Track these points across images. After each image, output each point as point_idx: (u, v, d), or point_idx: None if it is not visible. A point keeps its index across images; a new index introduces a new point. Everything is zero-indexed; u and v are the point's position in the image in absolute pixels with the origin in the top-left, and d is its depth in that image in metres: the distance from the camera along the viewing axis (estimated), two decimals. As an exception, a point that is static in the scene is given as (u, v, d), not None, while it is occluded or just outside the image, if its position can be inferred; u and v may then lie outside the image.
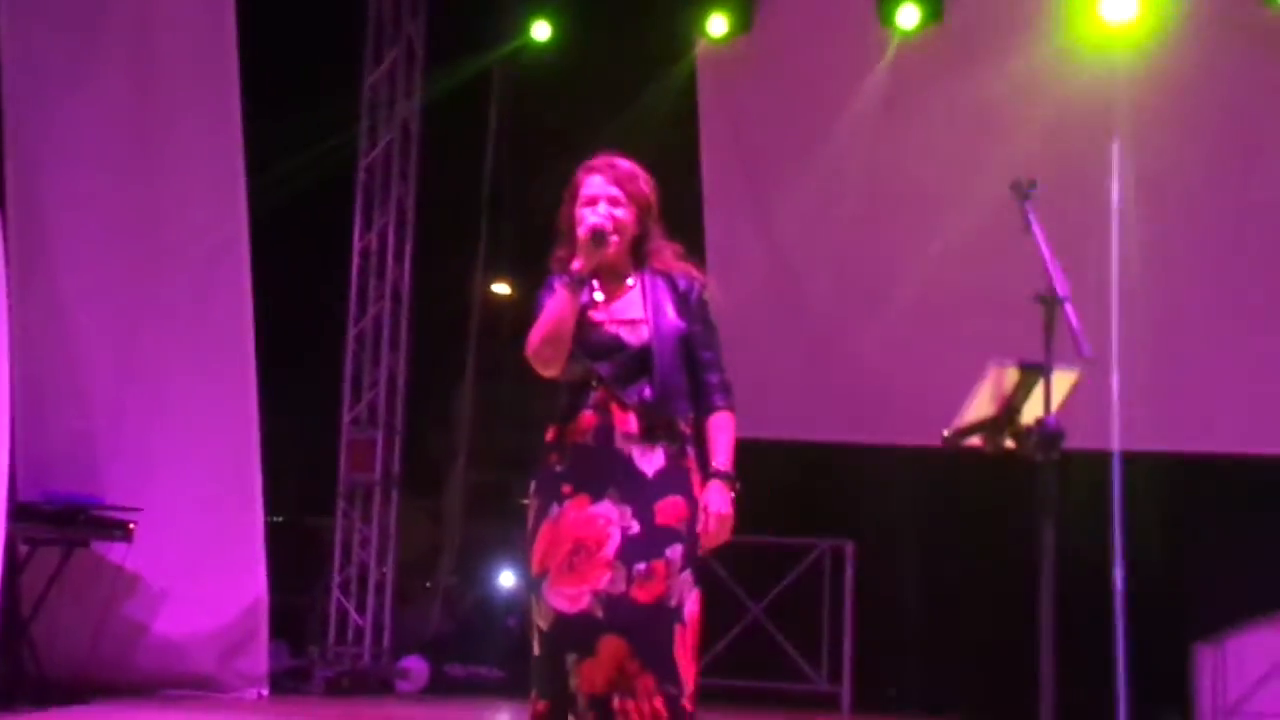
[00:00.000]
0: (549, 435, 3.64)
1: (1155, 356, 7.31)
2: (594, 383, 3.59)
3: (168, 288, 7.16)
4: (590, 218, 3.63)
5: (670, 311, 3.66)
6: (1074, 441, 3.46)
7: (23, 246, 6.57)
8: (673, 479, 3.56)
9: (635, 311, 3.66)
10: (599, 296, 3.68)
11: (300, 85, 8.39)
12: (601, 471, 3.54)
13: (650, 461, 3.55)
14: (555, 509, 3.54)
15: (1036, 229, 3.51)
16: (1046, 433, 3.44)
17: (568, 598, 3.45)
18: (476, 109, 9.21)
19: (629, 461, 3.54)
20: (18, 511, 6.31)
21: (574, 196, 3.74)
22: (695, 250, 3.92)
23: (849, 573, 8.30)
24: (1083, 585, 4.75)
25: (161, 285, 7.14)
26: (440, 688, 8.51)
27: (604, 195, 3.69)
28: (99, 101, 6.97)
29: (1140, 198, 7.35)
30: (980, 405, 3.65)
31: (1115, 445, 6.91)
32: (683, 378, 3.64)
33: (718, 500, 3.56)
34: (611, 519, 3.49)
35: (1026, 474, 3.49)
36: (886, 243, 7.96)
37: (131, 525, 6.95)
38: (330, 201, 8.91)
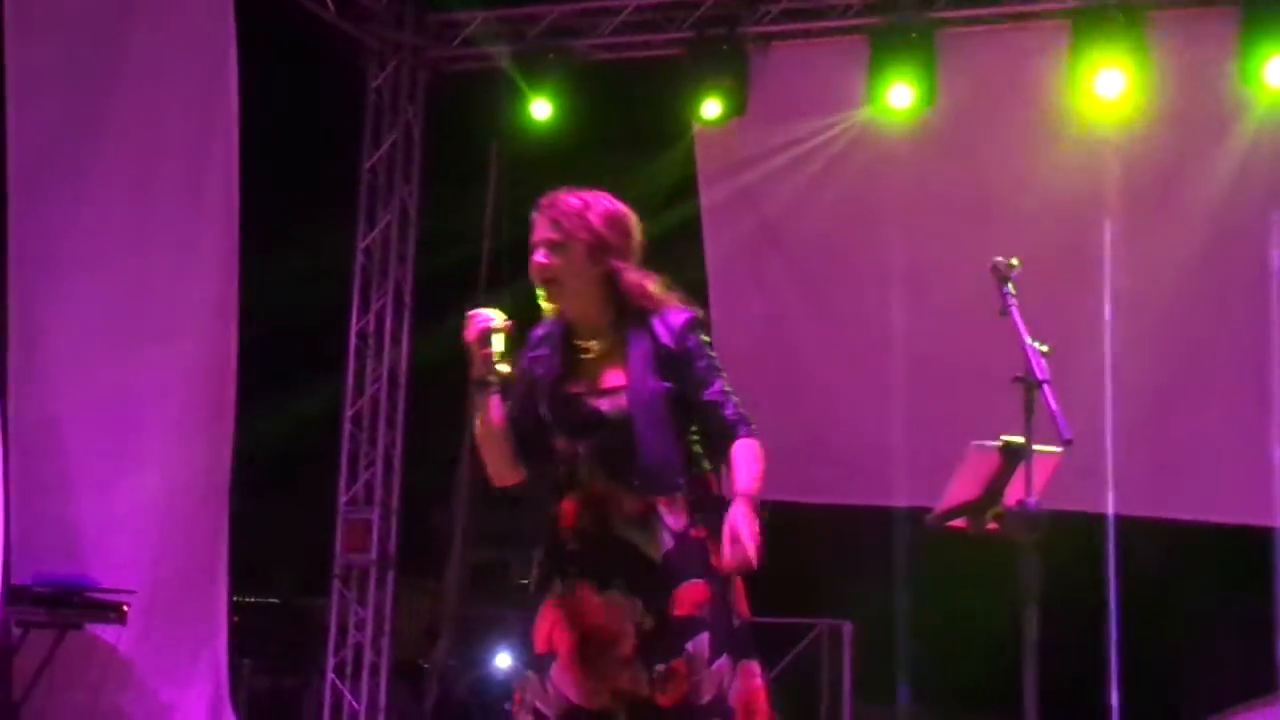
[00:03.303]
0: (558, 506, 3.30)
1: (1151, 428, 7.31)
2: (580, 463, 3.24)
3: (156, 370, 7.17)
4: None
5: (652, 369, 3.22)
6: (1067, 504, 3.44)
7: (20, 332, 6.61)
8: (685, 559, 3.16)
9: (615, 377, 3.24)
10: (593, 348, 3.29)
11: (299, 167, 8.47)
12: (604, 558, 3.18)
13: (655, 545, 3.17)
14: (559, 585, 3.21)
15: (1015, 312, 3.53)
16: (1028, 514, 3.44)
17: (585, 692, 3.13)
18: (474, 190, 9.27)
19: (634, 549, 3.17)
20: (11, 594, 6.28)
21: None
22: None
23: (847, 655, 8.24)
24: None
25: (150, 368, 7.15)
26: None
27: (541, 241, 3.27)
28: (98, 197, 6.99)
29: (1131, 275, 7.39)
30: (962, 487, 3.66)
31: (1110, 510, 6.94)
32: (675, 446, 3.20)
33: (740, 520, 3.08)
34: (624, 612, 3.14)
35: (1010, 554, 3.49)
36: (881, 313, 7.96)
37: (126, 607, 6.92)
38: (329, 283, 8.95)
